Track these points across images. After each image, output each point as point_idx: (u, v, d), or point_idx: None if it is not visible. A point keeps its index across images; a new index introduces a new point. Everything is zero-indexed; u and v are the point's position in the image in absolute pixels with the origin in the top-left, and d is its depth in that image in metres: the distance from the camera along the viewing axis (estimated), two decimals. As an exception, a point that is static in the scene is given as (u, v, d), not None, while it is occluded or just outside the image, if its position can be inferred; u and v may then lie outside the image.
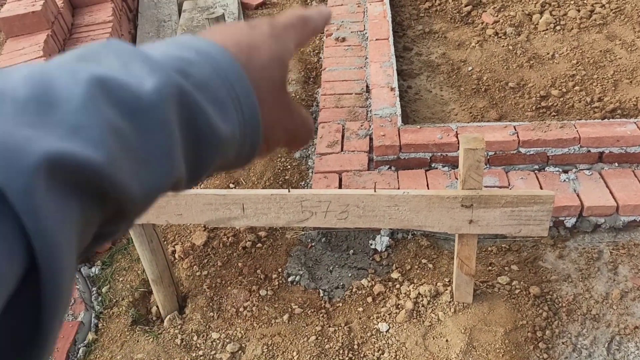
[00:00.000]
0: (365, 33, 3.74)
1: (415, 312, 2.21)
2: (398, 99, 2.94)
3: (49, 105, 0.29)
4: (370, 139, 2.90)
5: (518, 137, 2.63)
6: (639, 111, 2.94)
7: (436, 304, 2.21)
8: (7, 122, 0.27)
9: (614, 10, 3.66)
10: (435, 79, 3.38)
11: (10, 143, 0.26)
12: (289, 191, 1.93)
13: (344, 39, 3.70)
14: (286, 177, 2.94)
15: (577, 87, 3.13)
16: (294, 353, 2.15)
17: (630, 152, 2.60)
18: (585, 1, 3.80)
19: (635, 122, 2.64)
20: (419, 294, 2.25)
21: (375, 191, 1.90)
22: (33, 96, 0.29)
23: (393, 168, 2.73)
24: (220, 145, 0.37)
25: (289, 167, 3.00)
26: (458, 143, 2.65)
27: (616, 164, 2.64)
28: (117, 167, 0.30)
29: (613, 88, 3.10)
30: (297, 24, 0.46)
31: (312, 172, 2.98)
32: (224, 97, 0.37)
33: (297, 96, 3.48)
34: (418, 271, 2.40)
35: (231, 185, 2.91)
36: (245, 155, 0.41)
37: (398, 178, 2.67)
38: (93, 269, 2.64)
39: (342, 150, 2.86)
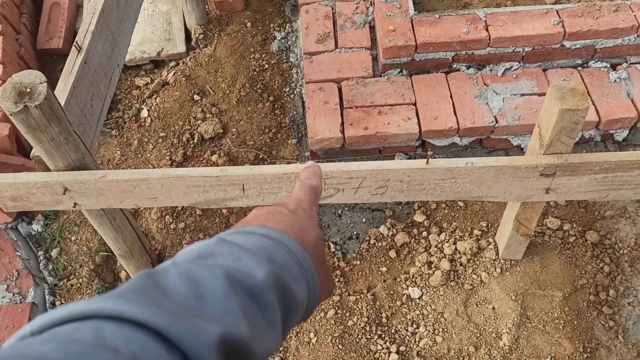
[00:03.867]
0: None
1: (452, 272, 1.83)
2: (405, -29, 2.25)
3: (202, 297, 0.40)
4: (371, 28, 2.27)
5: (564, 27, 2.07)
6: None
7: (478, 263, 1.83)
8: (183, 312, 0.37)
9: None
10: None
11: (191, 328, 0.36)
12: (307, 167, 1.38)
13: None
14: (265, 82, 2.32)
15: (617, -58, 2.49)
16: (311, 335, 1.78)
17: (693, 40, 2.11)
18: None
19: (703, 1, 2.11)
20: (456, 250, 1.86)
21: (428, 162, 1.38)
22: (190, 292, 0.40)
23: (405, 72, 2.15)
24: (299, 310, 0.48)
25: (266, 66, 2.36)
26: (489, 39, 2.07)
27: (673, 55, 2.16)
28: (252, 339, 0.40)
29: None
30: (314, 199, 0.58)
31: (297, 72, 2.35)
32: (298, 274, 0.48)
33: (262, -43, 2.68)
34: (446, 211, 1.98)
35: (196, 96, 2.27)
36: (308, 312, 0.51)
37: (413, 87, 2.11)
38: (34, 226, 2.08)
39: (336, 47, 2.23)
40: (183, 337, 0.35)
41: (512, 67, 2.13)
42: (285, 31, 2.46)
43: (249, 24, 2.46)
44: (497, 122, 2.01)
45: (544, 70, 2.14)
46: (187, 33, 2.44)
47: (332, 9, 2.33)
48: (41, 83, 1.18)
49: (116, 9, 1.68)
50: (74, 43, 1.48)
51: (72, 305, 0.36)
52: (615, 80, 2.10)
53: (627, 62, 2.16)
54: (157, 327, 0.35)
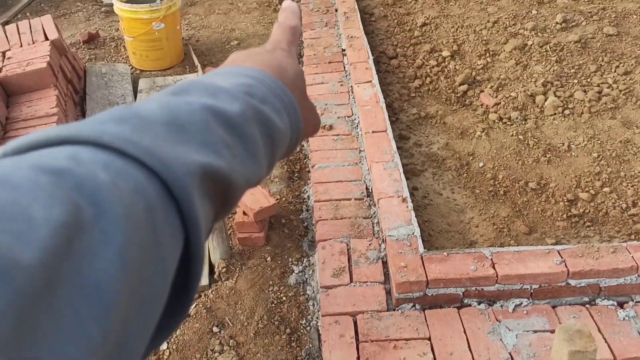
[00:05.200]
0: (354, 119, 3.28)
1: None
2: (414, 213, 2.47)
3: (182, 127, 0.39)
4: (383, 263, 2.41)
5: (566, 266, 2.19)
6: (681, 218, 2.58)
7: None
8: (165, 141, 0.36)
9: (623, 92, 3.36)
10: (443, 177, 2.94)
11: (173, 157, 0.35)
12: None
13: (331, 127, 3.22)
14: (282, 314, 2.39)
15: (606, 188, 2.76)
16: None
17: (693, 279, 2.20)
18: (589, 80, 3.49)
19: (695, 243, 2.26)
20: None
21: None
22: (171, 121, 0.39)
23: (418, 306, 2.23)
24: (283, 141, 0.49)
25: (284, 298, 2.46)
26: (496, 276, 2.18)
27: (677, 293, 2.24)
28: (232, 171, 0.41)
29: (646, 189, 2.75)
30: (293, 38, 0.58)
31: (313, 305, 2.44)
32: (278, 106, 0.48)
33: (283, 198, 2.96)
34: None
35: (215, 328, 2.33)
36: (293, 144, 0.52)
37: (426, 321, 2.17)
38: None
39: (351, 280, 2.34)
40: (164, 165, 0.34)
41: (522, 303, 2.21)
42: (303, 265, 2.61)
43: (269, 258, 2.62)
44: (512, 359, 2.02)
45: (554, 307, 2.21)
46: (211, 267, 2.59)
47: (347, 245, 2.50)
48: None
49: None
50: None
51: (49, 129, 0.34)
52: (624, 319, 2.15)
53: (633, 301, 2.23)
54: (137, 154, 0.33)
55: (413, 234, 2.38)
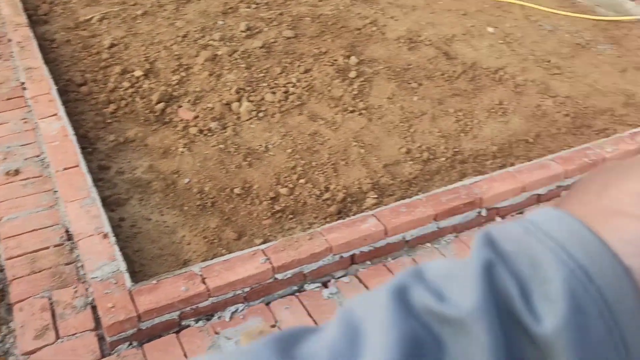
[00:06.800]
0: (44, 158, 3.00)
1: None
2: (117, 248, 2.34)
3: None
4: (94, 308, 2.24)
5: (271, 263, 2.30)
6: (365, 194, 2.91)
7: None
8: None
9: (305, 89, 3.67)
10: (150, 201, 2.86)
11: None
12: None
13: (17, 172, 2.90)
14: (-18, 397, 2.07)
15: (302, 180, 2.98)
16: None
17: (378, 246, 2.51)
18: (276, 82, 3.74)
19: (374, 215, 2.56)
20: None
21: None
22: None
23: (135, 343, 2.13)
24: None
25: (-18, 379, 2.13)
26: (208, 290, 2.19)
27: (368, 262, 2.52)
28: None
29: (334, 174, 3.04)
30: None
31: (20, 376, 2.16)
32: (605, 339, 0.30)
33: (-31, 263, 2.56)
34: None
35: None
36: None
37: (146, 357, 2.08)
38: None
39: (57, 337, 2.13)
40: None
41: (237, 309, 2.26)
42: (2, 334, 2.30)
43: (-43, 338, 2.25)
44: (235, 367, 2.04)
45: (268, 304, 2.31)
46: None
47: (49, 299, 2.27)
48: None
49: None
50: None
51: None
52: (328, 296, 2.34)
53: (334, 277, 2.45)
54: None
55: (118, 269, 2.26)
